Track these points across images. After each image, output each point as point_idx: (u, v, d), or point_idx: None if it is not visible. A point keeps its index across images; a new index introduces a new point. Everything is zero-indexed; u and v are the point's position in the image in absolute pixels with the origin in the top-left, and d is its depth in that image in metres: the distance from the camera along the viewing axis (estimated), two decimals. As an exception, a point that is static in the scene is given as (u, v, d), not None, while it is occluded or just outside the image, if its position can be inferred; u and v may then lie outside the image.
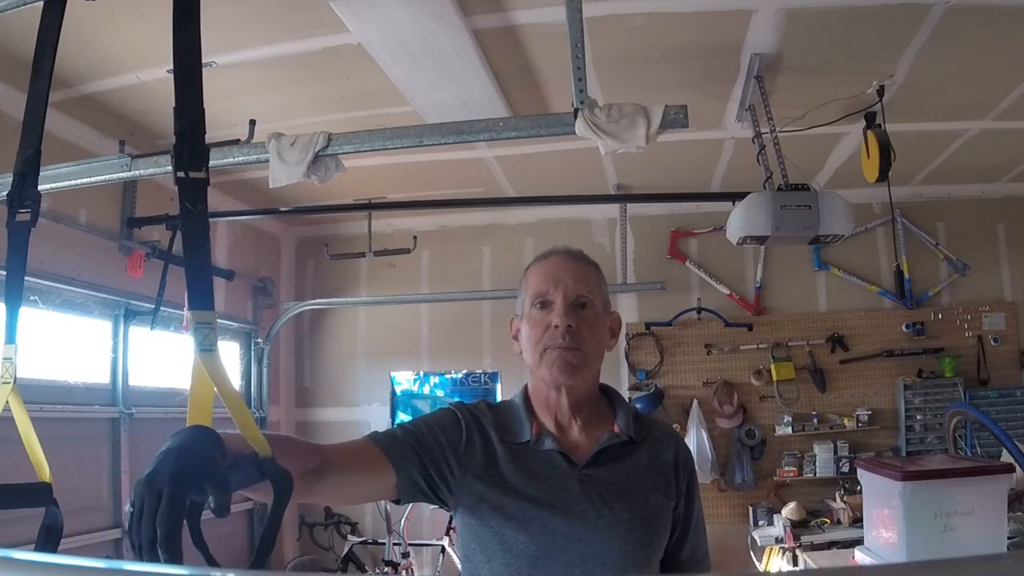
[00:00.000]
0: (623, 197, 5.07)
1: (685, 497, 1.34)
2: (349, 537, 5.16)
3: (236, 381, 5.27)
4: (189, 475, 0.75)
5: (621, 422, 1.33)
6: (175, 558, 0.71)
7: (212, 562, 0.78)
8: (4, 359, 0.95)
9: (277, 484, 0.86)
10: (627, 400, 1.43)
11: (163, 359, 4.44)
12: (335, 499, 1.29)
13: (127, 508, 0.76)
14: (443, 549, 4.96)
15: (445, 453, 1.28)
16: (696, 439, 4.91)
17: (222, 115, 3.41)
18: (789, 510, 4.58)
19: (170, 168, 0.87)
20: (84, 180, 2.69)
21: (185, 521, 0.75)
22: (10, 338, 0.97)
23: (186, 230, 0.85)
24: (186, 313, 4.08)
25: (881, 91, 3.38)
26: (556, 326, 1.27)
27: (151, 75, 3.17)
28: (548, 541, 1.21)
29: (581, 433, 1.32)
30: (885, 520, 2.40)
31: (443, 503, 1.30)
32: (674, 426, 4.34)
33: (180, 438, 0.81)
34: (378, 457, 1.23)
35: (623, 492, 1.26)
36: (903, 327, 5.03)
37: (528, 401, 1.36)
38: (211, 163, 0.88)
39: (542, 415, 1.34)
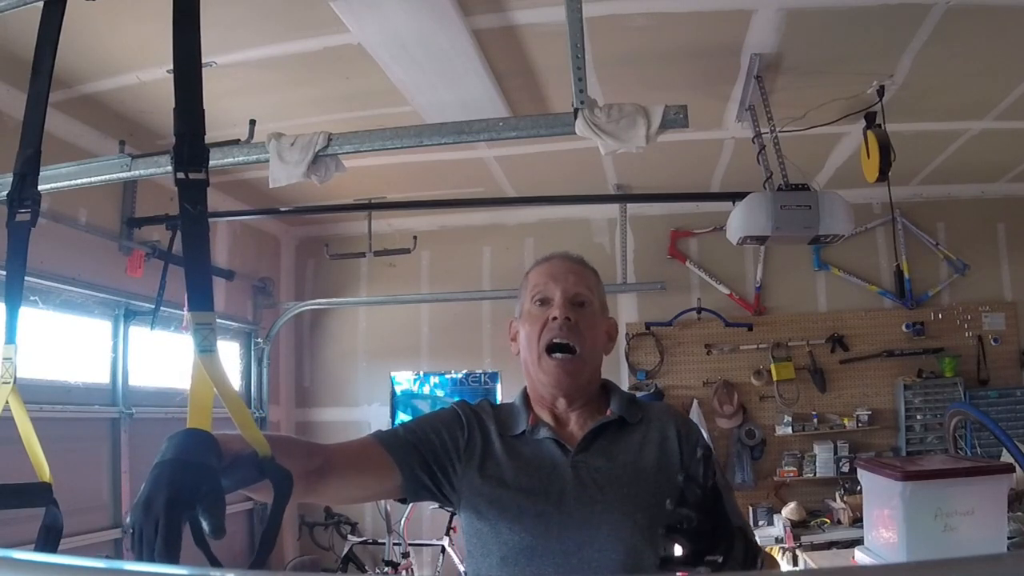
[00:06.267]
0: (623, 197, 5.07)
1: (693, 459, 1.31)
2: (349, 537, 5.16)
3: (236, 381, 5.27)
4: (183, 499, 0.76)
5: (614, 405, 1.34)
6: None
7: (214, 562, 0.78)
8: (4, 359, 0.95)
9: (277, 484, 0.87)
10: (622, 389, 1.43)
11: (163, 359, 4.44)
12: (339, 499, 1.30)
13: (127, 522, 0.78)
14: (443, 549, 4.96)
15: (448, 450, 1.28)
16: (696, 439, 4.90)
17: (222, 115, 3.41)
18: (789, 510, 4.58)
19: (170, 168, 0.87)
20: (84, 180, 2.69)
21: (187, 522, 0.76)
22: (10, 338, 0.97)
23: (186, 231, 0.85)
24: (186, 314, 4.08)
25: (881, 91, 3.38)
26: (555, 318, 1.28)
27: (151, 75, 3.17)
28: (543, 531, 1.21)
29: (577, 424, 1.33)
30: (885, 520, 2.40)
31: (448, 500, 1.30)
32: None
33: (175, 446, 0.81)
34: (382, 457, 1.24)
35: (619, 476, 1.25)
36: (903, 327, 5.03)
37: (527, 398, 1.37)
38: (211, 163, 0.88)
39: (540, 411, 1.34)
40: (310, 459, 1.15)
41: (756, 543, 1.16)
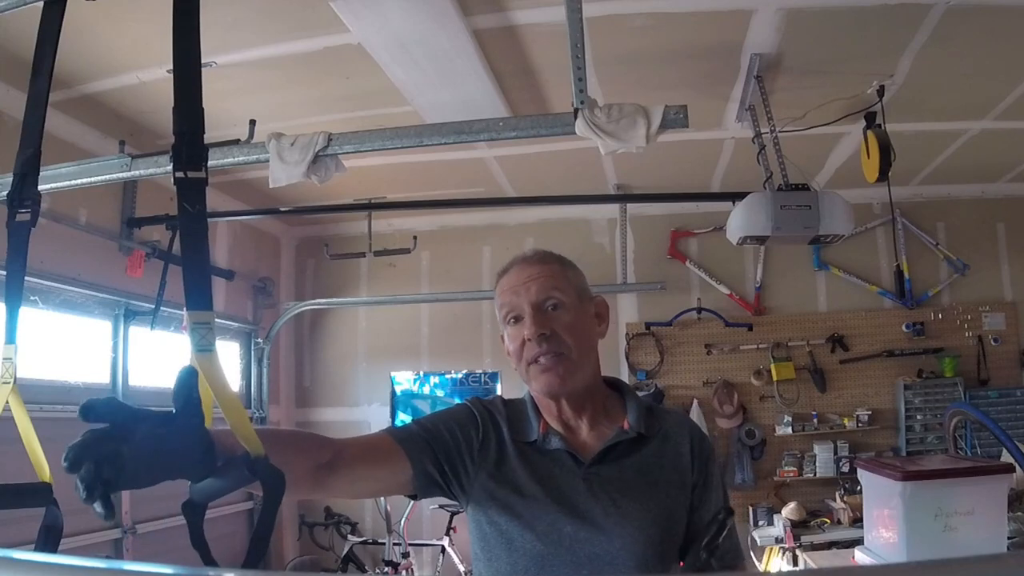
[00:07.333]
0: (623, 197, 5.07)
1: (703, 483, 1.30)
2: (349, 537, 5.16)
3: (236, 381, 5.27)
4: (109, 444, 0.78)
5: (631, 418, 1.31)
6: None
7: (210, 561, 0.78)
8: (4, 359, 0.95)
9: (267, 484, 0.86)
10: (637, 393, 1.41)
11: (163, 359, 4.44)
12: (349, 493, 1.29)
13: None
14: (443, 549, 4.96)
15: (460, 449, 1.27)
16: (696, 439, 4.90)
17: (222, 115, 3.42)
18: (789, 510, 4.58)
19: (170, 168, 0.86)
20: (84, 180, 2.70)
21: (186, 522, 0.76)
22: (10, 338, 0.97)
23: (184, 230, 0.85)
24: (185, 313, 4.08)
25: (881, 91, 3.39)
26: (529, 338, 1.25)
27: (151, 75, 3.17)
28: (555, 541, 1.20)
29: (589, 431, 1.30)
30: (885, 520, 2.40)
31: (456, 499, 1.29)
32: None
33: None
34: (394, 451, 1.23)
35: (632, 490, 1.24)
36: (903, 327, 5.03)
37: (535, 403, 1.35)
38: (211, 163, 0.88)
39: (548, 418, 1.32)
40: (320, 453, 1.14)
41: (724, 508, 1.20)
